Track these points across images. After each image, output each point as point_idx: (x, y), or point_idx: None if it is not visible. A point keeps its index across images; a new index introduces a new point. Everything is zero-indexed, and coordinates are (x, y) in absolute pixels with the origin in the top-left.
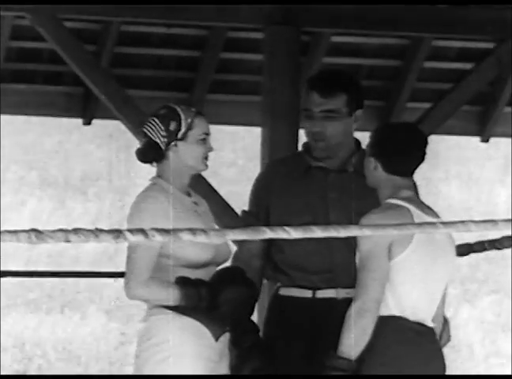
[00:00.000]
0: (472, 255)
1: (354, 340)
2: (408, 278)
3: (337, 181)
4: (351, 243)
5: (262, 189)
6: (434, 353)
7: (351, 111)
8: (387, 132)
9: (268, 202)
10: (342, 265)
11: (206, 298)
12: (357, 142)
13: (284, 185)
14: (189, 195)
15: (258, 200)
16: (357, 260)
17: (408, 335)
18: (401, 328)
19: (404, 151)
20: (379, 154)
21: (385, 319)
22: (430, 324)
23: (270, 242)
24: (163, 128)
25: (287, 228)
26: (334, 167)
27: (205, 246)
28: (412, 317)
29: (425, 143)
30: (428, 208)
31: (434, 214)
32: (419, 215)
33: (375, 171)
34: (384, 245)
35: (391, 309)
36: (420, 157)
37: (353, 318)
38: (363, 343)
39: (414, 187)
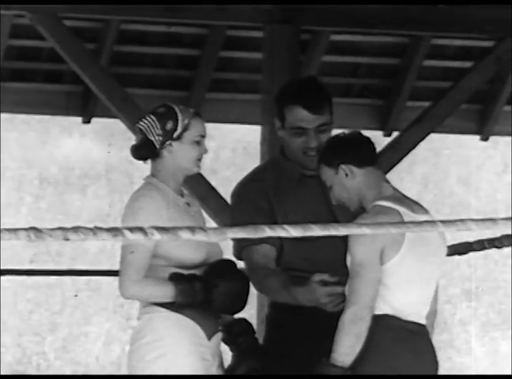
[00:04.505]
0: (472, 253)
1: (348, 348)
2: (400, 280)
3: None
4: (345, 244)
5: (263, 201)
6: (427, 351)
7: (332, 116)
8: (333, 138)
9: (272, 213)
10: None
11: (201, 292)
12: None
13: (282, 195)
14: (181, 195)
15: (263, 212)
16: (348, 264)
17: (401, 334)
18: (394, 326)
19: (359, 141)
20: (345, 156)
21: (378, 318)
22: (423, 321)
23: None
24: (159, 126)
25: (286, 226)
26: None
27: (198, 247)
28: (404, 316)
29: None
30: (415, 203)
31: (422, 209)
32: (409, 216)
33: (351, 176)
34: (376, 251)
35: (384, 308)
36: (371, 144)
37: (347, 325)
38: (356, 350)
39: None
